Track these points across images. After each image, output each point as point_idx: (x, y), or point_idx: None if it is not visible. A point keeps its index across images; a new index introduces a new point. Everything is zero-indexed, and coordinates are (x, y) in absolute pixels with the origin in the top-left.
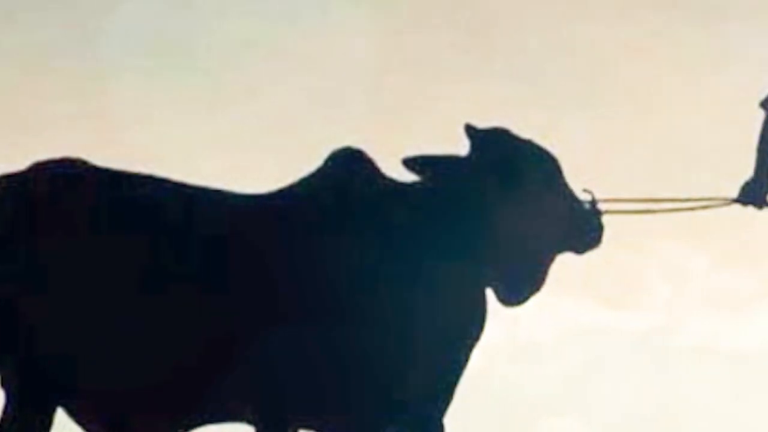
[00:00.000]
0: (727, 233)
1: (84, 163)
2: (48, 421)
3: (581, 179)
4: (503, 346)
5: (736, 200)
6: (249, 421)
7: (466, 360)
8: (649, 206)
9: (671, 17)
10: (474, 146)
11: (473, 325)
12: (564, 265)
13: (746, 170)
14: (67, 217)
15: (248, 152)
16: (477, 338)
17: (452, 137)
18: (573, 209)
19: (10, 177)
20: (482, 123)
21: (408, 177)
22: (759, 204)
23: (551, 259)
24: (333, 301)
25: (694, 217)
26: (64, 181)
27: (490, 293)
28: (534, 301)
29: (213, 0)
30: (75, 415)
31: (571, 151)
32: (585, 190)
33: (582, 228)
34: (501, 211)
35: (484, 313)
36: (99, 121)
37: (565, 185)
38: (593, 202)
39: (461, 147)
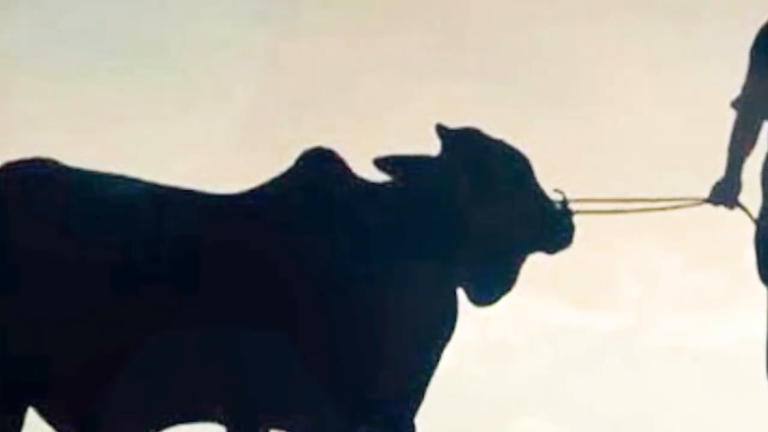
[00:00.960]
0: (699, 233)
1: (55, 163)
2: (19, 421)
3: (552, 179)
4: (474, 345)
5: (708, 200)
6: (220, 421)
7: (438, 360)
8: (620, 206)
9: (643, 17)
10: (445, 146)
11: (444, 325)
12: (535, 265)
13: (717, 170)
14: (38, 217)
15: (220, 152)
16: (448, 338)
17: (423, 137)
18: (544, 209)
19: None
20: (453, 123)
21: (379, 177)
22: (730, 204)
23: (522, 259)
24: (304, 301)
25: (665, 217)
26: (35, 182)
27: (461, 293)
28: (505, 301)
29: (185, 0)
30: (46, 415)
31: (542, 150)
32: (556, 190)
33: (553, 228)
34: (472, 211)
35: (456, 313)
36: (70, 121)
37: (537, 185)
38: (564, 202)
39: (432, 147)
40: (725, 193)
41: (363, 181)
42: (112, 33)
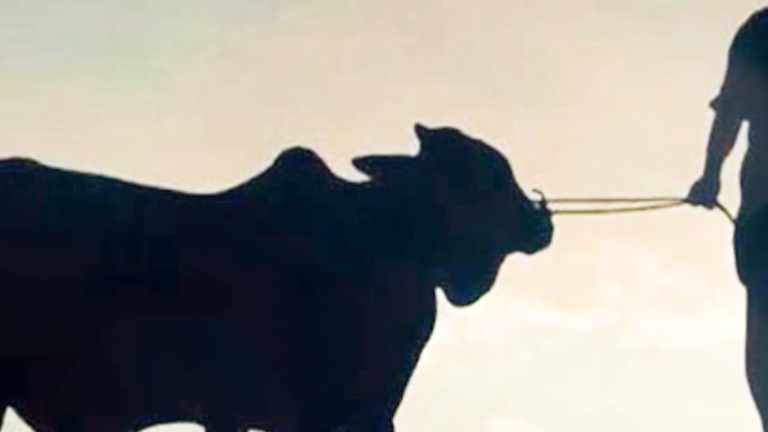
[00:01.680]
0: (677, 233)
1: (34, 162)
2: None
3: (531, 179)
4: (453, 345)
5: (686, 200)
6: (199, 421)
7: (416, 360)
8: (598, 206)
9: (621, 17)
10: (424, 146)
11: (423, 325)
12: (514, 265)
13: (696, 170)
14: (17, 216)
15: (198, 152)
16: (427, 338)
17: (402, 137)
18: (523, 209)
19: None
20: (432, 123)
21: (358, 177)
22: (708, 204)
23: (501, 260)
24: (282, 301)
25: (643, 217)
26: (13, 181)
27: (440, 293)
28: (484, 301)
29: (162, 0)
30: (25, 415)
31: (521, 150)
32: (535, 190)
33: (532, 228)
34: (451, 211)
35: (434, 313)
36: (49, 120)
37: (515, 185)
38: (543, 202)
39: (411, 147)
40: (704, 194)
41: (342, 180)
42: (91, 33)
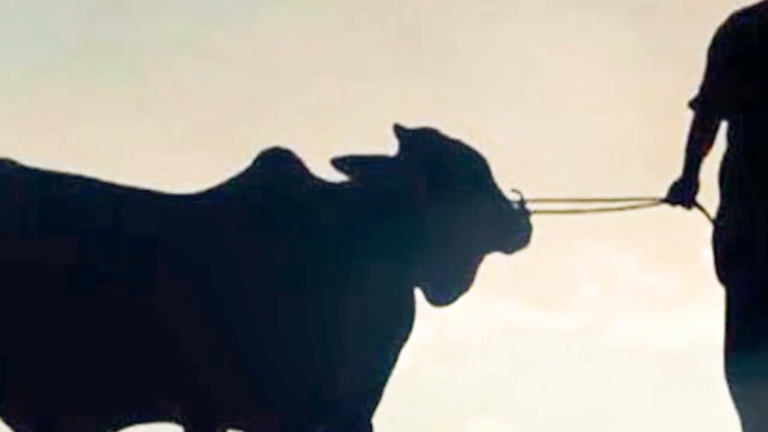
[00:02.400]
0: (656, 233)
1: (13, 163)
2: None
3: (510, 179)
4: (432, 345)
5: (665, 200)
6: (178, 421)
7: (395, 360)
8: (577, 206)
9: (600, 16)
10: (402, 146)
11: (402, 325)
12: (492, 265)
13: (675, 170)
14: None
15: (177, 152)
16: (406, 338)
17: (381, 137)
18: (501, 209)
19: None
20: (411, 123)
21: (337, 177)
22: (687, 204)
23: (480, 260)
24: (261, 300)
25: (622, 217)
26: None
27: (418, 293)
28: (462, 301)
29: (141, 0)
30: (3, 415)
31: (499, 150)
32: (514, 190)
33: (510, 228)
34: (430, 211)
35: (413, 313)
36: (28, 120)
37: (494, 185)
38: (522, 202)
39: (390, 147)
40: (682, 193)
41: (320, 181)
42: (69, 33)
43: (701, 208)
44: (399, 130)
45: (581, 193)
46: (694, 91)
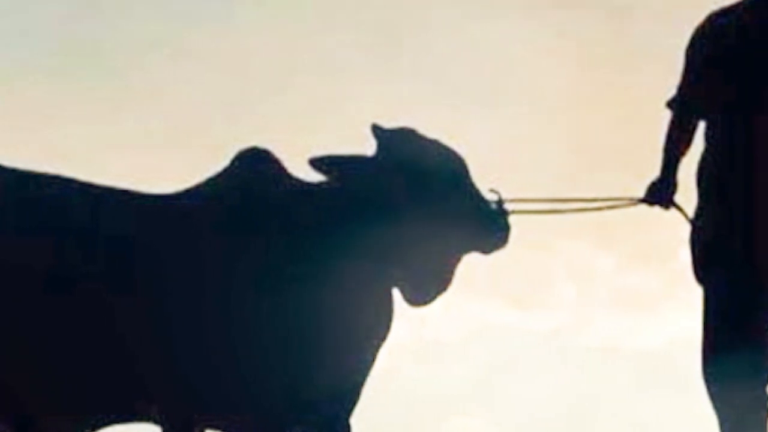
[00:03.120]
0: (634, 233)
1: None
2: None
3: (488, 179)
4: (410, 345)
5: (643, 200)
6: (155, 421)
7: (373, 360)
8: (555, 206)
9: (577, 16)
10: (380, 146)
11: (380, 325)
12: (470, 265)
13: (653, 170)
14: None
15: (154, 152)
16: (384, 338)
17: (359, 137)
18: (479, 209)
19: None
20: (388, 123)
21: (315, 177)
22: (665, 204)
23: (458, 259)
24: (239, 300)
25: (600, 217)
26: None
27: (396, 293)
28: (440, 301)
29: (119, 0)
30: None
31: (477, 150)
32: (491, 190)
33: (488, 228)
34: (407, 211)
35: (391, 313)
36: (5, 121)
37: (472, 185)
38: (500, 202)
39: (368, 147)
40: (660, 193)
41: (298, 181)
42: (46, 33)
43: (679, 208)
44: (377, 130)
45: (559, 193)
46: (671, 91)
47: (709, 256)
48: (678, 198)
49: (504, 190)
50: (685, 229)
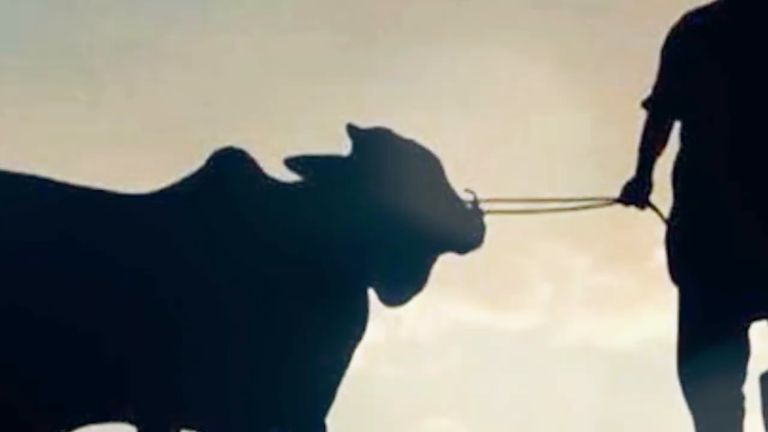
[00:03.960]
0: (609, 233)
1: None
2: None
3: (463, 179)
4: (385, 345)
5: (618, 200)
6: (131, 421)
7: (348, 360)
8: (530, 206)
9: (553, 16)
10: (356, 146)
11: (355, 325)
12: (446, 265)
13: (628, 170)
14: None
15: (130, 152)
16: (359, 338)
17: (334, 137)
18: (455, 209)
19: None
20: (364, 123)
21: (290, 177)
22: (640, 204)
23: (433, 260)
24: (214, 301)
25: (575, 217)
26: None
27: (372, 293)
28: (415, 301)
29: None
30: None
31: (452, 150)
32: (467, 190)
33: (464, 228)
34: (383, 211)
35: (366, 313)
36: None
37: (447, 185)
38: (475, 202)
39: (343, 147)
40: (636, 193)
41: (274, 180)
42: (22, 32)
43: (654, 208)
44: (352, 130)
45: (534, 193)
46: (647, 91)
47: (685, 256)
48: (653, 198)
49: (479, 190)
50: (661, 229)
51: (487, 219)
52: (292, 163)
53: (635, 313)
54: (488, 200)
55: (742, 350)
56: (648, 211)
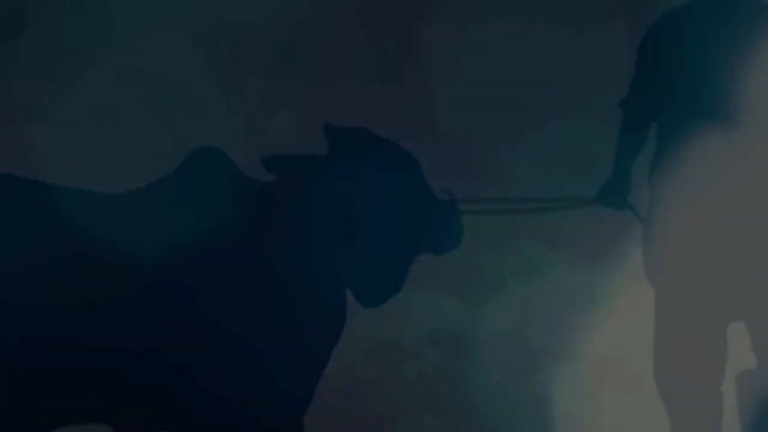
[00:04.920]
0: (587, 233)
1: None
2: None
3: (440, 178)
4: (362, 346)
5: (596, 200)
6: (107, 423)
7: (325, 360)
8: (508, 206)
9: (531, 17)
10: (333, 146)
11: (332, 325)
12: (423, 264)
13: (606, 170)
14: None
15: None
16: (336, 338)
17: (312, 137)
18: (432, 209)
19: None
20: (341, 122)
21: (268, 177)
22: (618, 205)
23: (410, 260)
24: (190, 302)
25: (553, 217)
26: None
27: (348, 293)
28: (392, 301)
29: None
30: None
31: (430, 150)
32: (444, 190)
33: (441, 228)
34: (360, 211)
35: (343, 313)
36: None
37: (425, 185)
38: (452, 202)
39: (321, 147)
40: (613, 194)
41: (251, 180)
42: None
43: (632, 208)
44: (330, 129)
45: (512, 193)
46: (624, 92)
47: (662, 257)
48: (631, 198)
49: (456, 190)
50: (638, 229)
51: (465, 219)
52: (269, 162)
53: (611, 314)
54: (465, 200)
55: (720, 350)
56: (626, 211)
